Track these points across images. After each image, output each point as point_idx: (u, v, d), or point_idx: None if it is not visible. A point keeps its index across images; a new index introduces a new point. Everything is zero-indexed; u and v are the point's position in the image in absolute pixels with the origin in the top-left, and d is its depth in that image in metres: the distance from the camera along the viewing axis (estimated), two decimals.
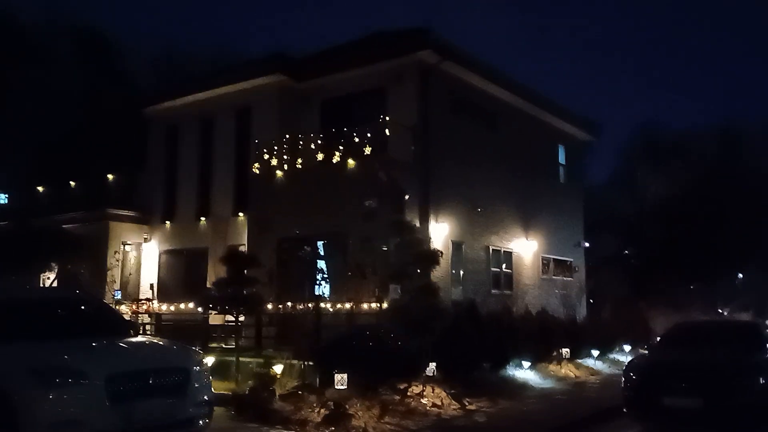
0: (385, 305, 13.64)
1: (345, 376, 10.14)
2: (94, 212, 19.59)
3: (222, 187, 18.68)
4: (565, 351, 16.31)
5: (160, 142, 20.61)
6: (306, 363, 11.62)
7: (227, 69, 18.98)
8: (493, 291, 17.74)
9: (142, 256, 19.68)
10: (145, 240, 19.75)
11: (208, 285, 15.51)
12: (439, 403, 11.28)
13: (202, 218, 18.99)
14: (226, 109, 18.84)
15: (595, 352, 17.55)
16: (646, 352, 12.41)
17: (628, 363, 10.85)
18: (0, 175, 28.81)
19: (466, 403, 11.50)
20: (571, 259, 22.20)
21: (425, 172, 15.88)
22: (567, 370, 15.87)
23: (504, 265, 18.62)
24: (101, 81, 29.94)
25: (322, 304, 13.75)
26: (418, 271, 12.86)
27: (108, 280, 17.46)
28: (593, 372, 16.46)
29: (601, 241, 25.75)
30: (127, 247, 19.48)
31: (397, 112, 15.76)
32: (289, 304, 13.31)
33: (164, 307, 15.40)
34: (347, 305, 13.46)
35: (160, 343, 8.33)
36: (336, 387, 10.20)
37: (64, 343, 7.41)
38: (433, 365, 11.91)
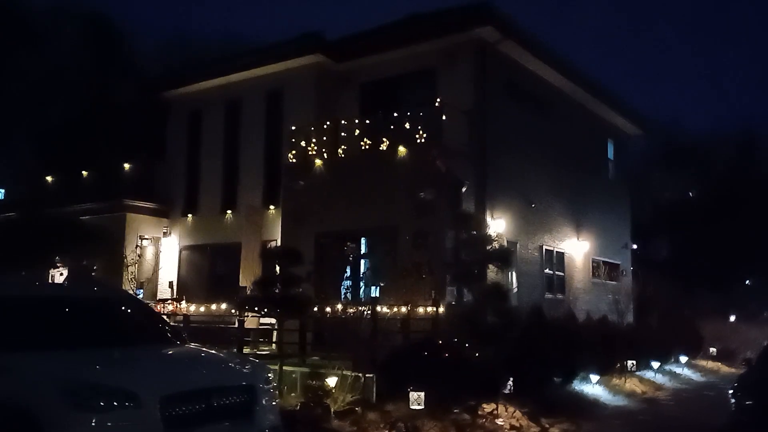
0: (441, 309, 12.15)
1: (422, 394, 8.64)
2: (109, 203, 18.07)
3: (251, 177, 17.12)
4: (631, 363, 14.92)
5: (180, 129, 19.07)
6: (363, 375, 10.14)
7: (257, 50, 17.44)
8: (546, 295, 16.24)
9: (161, 252, 18.12)
10: (165, 234, 18.20)
11: (242, 284, 13.97)
12: (517, 425, 9.91)
13: (229, 211, 17.44)
14: (255, 92, 17.31)
15: (655, 364, 16.13)
16: (746, 370, 11.01)
17: (738, 384, 9.38)
18: (4, 167, 27.43)
19: (547, 425, 10.09)
20: (619, 262, 20.73)
21: (481, 162, 14.38)
22: (631, 384, 14.49)
23: (557, 267, 17.13)
24: (112, 67, 28.47)
25: (371, 307, 12.23)
26: (487, 271, 11.33)
27: (127, 277, 15.87)
28: (657, 387, 15.12)
29: (646, 244, 24.27)
30: (145, 242, 17.92)
31: (449, 96, 14.24)
32: (339, 307, 11.75)
33: (192, 308, 13.82)
34: (402, 309, 11.95)
35: (221, 355, 6.81)
36: (411, 406, 8.72)
37: (104, 354, 5.91)
38: (509, 381, 10.47)
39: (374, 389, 10.02)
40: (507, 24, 14.41)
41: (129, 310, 7.29)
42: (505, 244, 12.58)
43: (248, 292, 12.26)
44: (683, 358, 17.91)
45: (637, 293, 21.33)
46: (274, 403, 6.40)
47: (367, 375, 10.15)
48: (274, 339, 13.65)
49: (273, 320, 13.47)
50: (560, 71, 16.65)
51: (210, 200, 17.89)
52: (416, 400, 8.61)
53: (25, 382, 5.28)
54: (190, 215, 18.23)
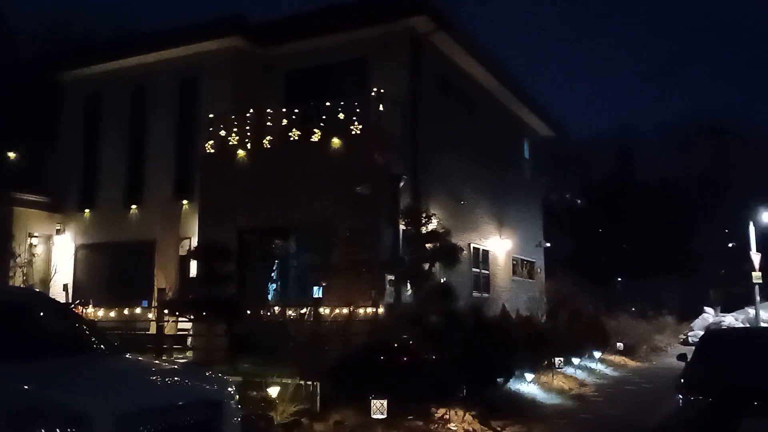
0: (381, 310, 11.52)
1: (385, 402, 7.93)
2: None
3: (161, 169, 15.61)
4: (558, 360, 15.00)
5: (76, 115, 17.17)
6: (306, 383, 9.30)
7: (168, 30, 15.97)
8: (474, 293, 16.01)
9: (55, 251, 16.17)
10: (58, 231, 16.25)
11: (159, 285, 12.60)
12: (470, 429, 9.45)
13: (134, 206, 15.82)
14: (165, 77, 15.83)
15: (576, 360, 16.39)
16: (683, 363, 11.20)
17: (684, 381, 9.43)
18: None
19: (498, 428, 9.74)
20: (535, 260, 21.01)
21: (414, 156, 13.86)
22: (558, 381, 14.55)
23: (483, 266, 16.97)
24: None
25: (305, 309, 11.36)
26: (433, 269, 10.80)
27: (18, 279, 13.94)
28: (580, 382, 15.29)
29: (554, 242, 24.89)
30: (35, 240, 15.92)
31: (382, 87, 13.59)
32: (274, 309, 10.79)
33: (100, 313, 12.29)
34: (340, 310, 11.17)
35: (176, 367, 5.79)
36: (374, 415, 7.98)
37: (37, 367, 4.80)
38: (459, 384, 9.99)
39: (320, 398, 9.20)
40: (441, 15, 14.01)
41: (50, 315, 6.09)
42: (452, 241, 12.08)
43: (168, 294, 11.03)
44: (596, 354, 18.34)
45: (549, 291, 21.77)
46: (238, 419, 5.52)
47: (310, 382, 9.32)
48: (190, 345, 12.50)
49: (188, 325, 12.33)
50: (489, 69, 16.51)
51: (111, 194, 16.17)
52: (378, 408, 7.90)
53: None
54: (87, 210, 16.39)
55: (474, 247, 16.44)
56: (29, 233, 15.87)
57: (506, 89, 17.95)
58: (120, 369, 5.30)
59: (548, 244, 21.94)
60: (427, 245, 11.07)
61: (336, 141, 12.79)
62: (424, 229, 11.25)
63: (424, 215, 11.50)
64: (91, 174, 16.62)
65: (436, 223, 11.92)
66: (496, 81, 17.22)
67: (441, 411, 9.49)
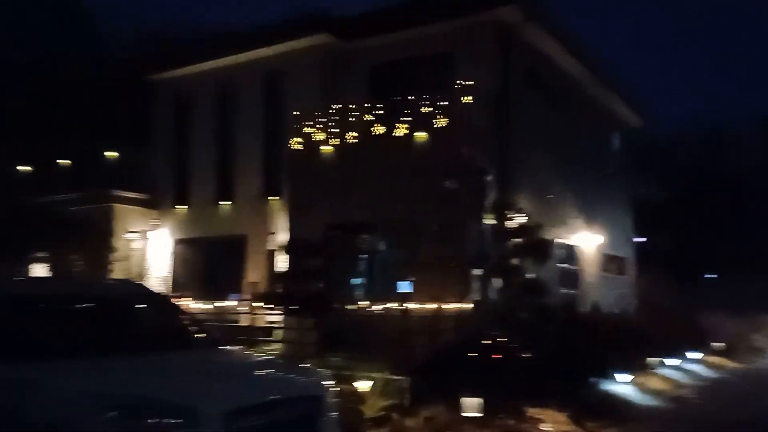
0: (469, 306, 11.36)
1: (477, 400, 7.82)
2: (92, 193, 16.74)
3: (249, 166, 16.02)
4: (653, 360, 14.40)
5: (169, 114, 17.85)
6: (396, 378, 9.29)
7: (256, 30, 16.33)
8: (561, 290, 15.56)
9: (151, 246, 16.90)
10: (154, 227, 16.97)
11: (250, 279, 12.95)
12: (564, 430, 9.16)
13: (223, 202, 16.31)
14: (253, 75, 16.21)
15: (671, 361, 15.67)
16: None
17: None
18: None
19: (593, 431, 9.40)
20: (625, 256, 20.24)
21: (501, 150, 13.58)
22: (653, 382, 13.93)
23: (570, 261, 16.48)
24: (88, 50, 26.90)
25: (392, 304, 11.38)
26: (524, 265, 10.56)
27: (117, 274, 14.65)
28: (678, 384, 14.56)
29: (648, 237, 23.91)
30: (133, 235, 16.68)
31: (468, 80, 13.36)
32: (361, 303, 10.85)
33: (195, 305, 12.75)
34: (428, 306, 11.11)
35: (278, 361, 5.89)
36: (465, 413, 7.88)
37: (145, 361, 4.95)
38: (551, 382, 9.72)
39: (410, 393, 9.17)
40: (531, 4, 13.63)
41: (154, 308, 6.31)
42: (543, 235, 11.78)
43: (258, 287, 11.31)
44: (692, 354, 17.49)
45: (640, 287, 20.93)
46: (335, 415, 5.54)
47: (399, 377, 9.30)
48: (279, 338, 12.74)
49: (277, 318, 12.59)
50: (577, 58, 15.96)
51: (203, 191, 16.73)
52: (470, 406, 7.77)
53: (55, 399, 4.28)
54: (181, 207, 17.04)
55: (560, 242, 15.98)
56: (128, 229, 16.63)
57: (595, 78, 17.31)
58: (225, 363, 5.42)
59: (641, 239, 21.08)
60: (515, 240, 10.82)
61: (421, 135, 12.70)
62: (511, 224, 11.00)
63: (511, 210, 11.24)
64: (184, 171, 17.25)
65: (524, 218, 11.65)
66: (585, 70, 16.63)
67: (533, 410, 9.28)
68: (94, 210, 16.46)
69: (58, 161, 18.61)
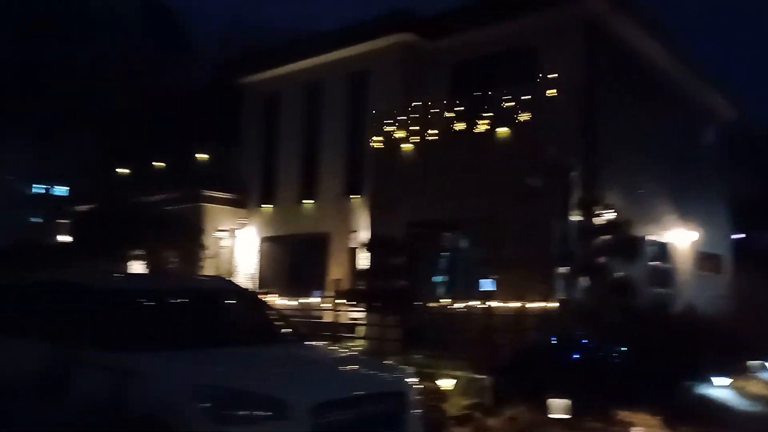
0: (554, 305, 11.10)
1: (565, 401, 7.64)
2: (184, 193, 17.54)
3: (332, 165, 16.32)
4: (756, 363, 13.57)
5: (256, 116, 18.43)
6: (479, 377, 9.20)
7: (340, 30, 16.61)
8: (653, 289, 14.94)
9: (239, 243, 17.50)
10: (242, 225, 17.57)
11: (332, 276, 13.19)
12: None
13: (307, 200, 16.69)
14: (336, 76, 16.50)
15: None
16: None
17: None
18: (69, 162, 27.47)
19: None
20: (721, 253, 19.21)
21: (587, 145, 13.18)
22: (754, 386, 13.12)
23: (662, 259, 15.80)
24: (178, 55, 28.17)
25: (474, 302, 11.26)
26: (611, 264, 10.22)
27: (207, 271, 15.27)
28: None
29: (745, 234, 22.59)
30: (222, 233, 17.33)
31: (551, 74, 13.05)
32: (442, 301, 10.83)
33: (281, 301, 13.11)
34: (511, 305, 10.94)
35: (360, 356, 5.99)
36: (552, 414, 7.72)
37: (238, 355, 5.13)
38: (639, 384, 9.36)
39: (493, 393, 9.07)
40: None
41: (245, 305, 6.53)
42: (633, 233, 11.36)
43: (343, 284, 11.49)
44: None
45: (738, 286, 19.79)
46: (420, 411, 5.56)
47: (482, 376, 9.22)
48: (362, 334, 12.88)
49: (359, 315, 12.73)
50: (668, 50, 15.27)
51: (288, 190, 17.19)
52: (558, 407, 7.60)
53: (157, 388, 4.52)
54: (267, 205, 17.58)
55: (651, 240, 15.34)
56: (217, 228, 17.29)
57: (686, 69, 16.50)
58: (311, 358, 5.55)
59: (738, 236, 19.94)
60: (603, 237, 10.48)
61: (504, 131, 12.53)
62: (599, 221, 10.66)
63: (599, 206, 10.89)
64: (271, 171, 17.76)
65: (613, 214, 11.26)
66: (675, 61, 15.88)
67: (623, 413, 8.97)
68: (187, 209, 17.20)
69: (154, 163, 19.61)
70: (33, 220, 29.83)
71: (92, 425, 4.71)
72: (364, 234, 14.06)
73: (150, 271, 15.53)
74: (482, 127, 12.77)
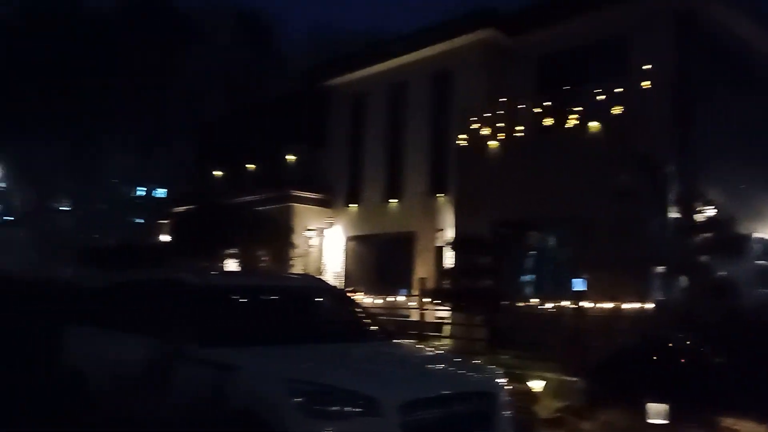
0: (649, 306, 10.65)
1: (665, 407, 7.35)
2: (274, 194, 18.12)
3: (417, 164, 16.39)
4: None
5: (341, 118, 18.77)
6: (571, 379, 8.98)
7: (422, 30, 16.67)
8: (760, 290, 14.03)
9: (326, 242, 17.88)
10: (330, 225, 17.94)
11: (418, 275, 13.25)
12: None
13: (393, 200, 16.84)
14: (420, 75, 16.55)
15: None
16: None
17: None
18: (167, 166, 28.95)
19: None
20: None
21: (683, 139, 12.57)
22: None
23: None
24: (266, 61, 29.07)
25: (564, 303, 10.99)
26: (713, 263, 9.70)
27: (297, 268, 15.70)
28: None
29: None
30: (310, 232, 17.76)
31: (643, 66, 12.52)
32: (531, 301, 10.64)
33: (367, 300, 13.29)
34: (603, 305, 10.60)
35: (449, 355, 6.00)
36: (650, 419, 7.44)
37: (329, 352, 5.24)
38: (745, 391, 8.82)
39: (585, 395, 8.82)
40: None
41: (335, 302, 6.67)
42: (736, 230, 10.75)
43: (429, 283, 11.51)
44: None
45: None
46: (510, 413, 5.48)
47: (574, 378, 8.98)
48: (449, 333, 12.85)
49: (445, 314, 12.70)
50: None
51: (374, 189, 17.41)
52: (657, 412, 7.31)
53: (252, 382, 4.69)
54: (353, 205, 17.87)
55: (760, 237, 14.42)
56: (305, 227, 17.74)
57: None
58: (401, 356, 5.60)
59: None
60: (703, 235, 9.97)
61: (594, 126, 12.15)
62: (698, 218, 10.14)
63: (698, 202, 10.36)
64: (357, 171, 18.05)
65: (713, 211, 10.67)
66: None
67: (727, 420, 8.51)
68: (277, 210, 17.75)
69: (246, 165, 20.35)
70: (136, 221, 31.64)
71: (193, 418, 4.95)
72: (449, 233, 14.04)
73: (243, 269, 16.15)
74: (571, 122, 12.44)
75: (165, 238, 19.94)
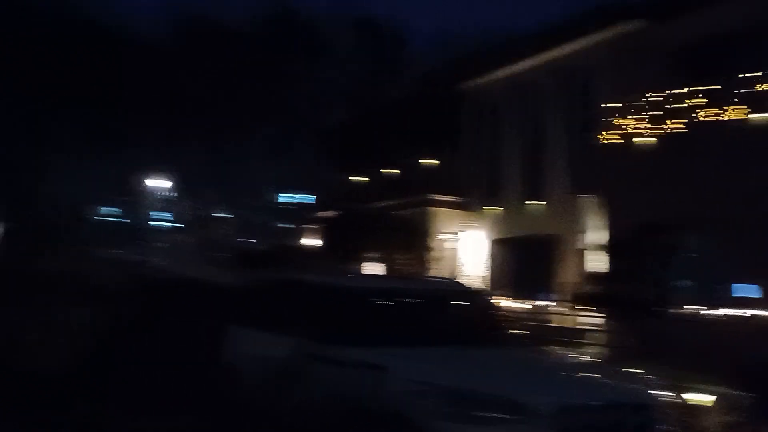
0: None
1: None
2: (411, 199, 18.39)
3: (555, 164, 15.91)
4: None
5: (475, 120, 18.69)
6: (731, 392, 8.22)
7: (555, 28, 16.17)
8: None
9: (462, 246, 17.81)
10: (467, 228, 17.85)
11: (562, 280, 12.82)
12: None
13: (532, 201, 16.44)
14: (556, 72, 16.07)
15: None
16: None
17: None
18: (311, 171, 30.17)
19: None
20: None
21: None
22: None
23: None
24: (394, 66, 29.50)
25: (726, 310, 10.11)
26: None
27: (435, 272, 15.78)
28: None
29: None
30: (448, 236, 17.77)
31: None
32: (691, 307, 9.90)
33: (508, 305, 13.06)
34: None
35: (601, 364, 5.75)
36: None
37: (476, 355, 5.20)
38: None
39: (754, 412, 8.05)
40: None
41: (478, 306, 6.60)
42: None
43: (573, 287, 11.08)
44: None
45: None
46: (668, 428, 5.13)
47: (740, 393, 8.23)
48: (597, 341, 12.27)
49: (593, 319, 12.15)
50: None
51: (512, 191, 17.13)
52: None
53: (402, 384, 4.74)
54: (491, 207, 17.66)
55: None
56: (442, 230, 17.79)
57: None
58: (549, 362, 5.46)
59: None
60: None
61: (759, 117, 11.10)
62: None
63: None
64: (493, 173, 17.85)
65: None
66: None
67: None
68: (414, 213, 17.95)
69: (383, 171, 20.79)
70: (281, 225, 33.36)
71: (340, 417, 5.08)
72: (594, 235, 13.44)
73: (384, 272, 16.51)
74: (730, 114, 11.45)
75: (309, 241, 20.85)
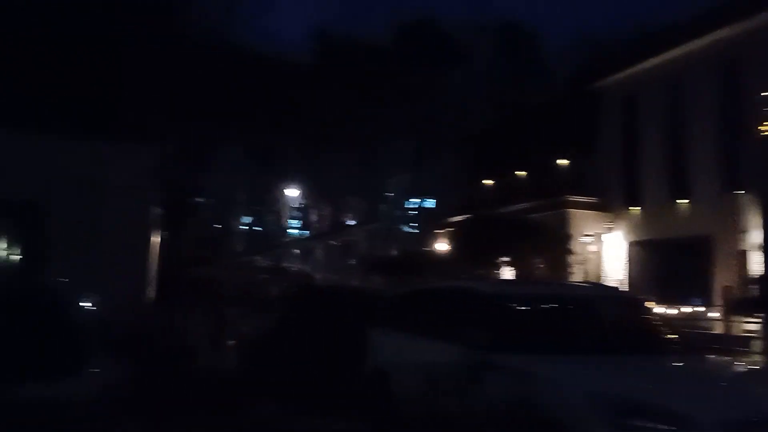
0: None
1: None
2: (548, 201, 17.91)
3: (705, 160, 14.84)
4: None
5: (613, 118, 17.86)
6: None
7: (701, 17, 15.06)
8: None
9: (604, 249, 17.01)
10: (608, 229, 17.05)
11: (720, 284, 11.89)
12: None
13: (679, 200, 15.41)
14: (702, 64, 15.04)
15: None
16: None
17: None
18: (439, 176, 30.26)
19: None
20: None
21: None
22: None
23: None
24: (530, 68, 28.94)
25: None
26: None
27: (576, 276, 15.20)
28: None
29: None
30: (587, 238, 17.05)
31: None
32: None
33: (657, 310, 12.28)
34: None
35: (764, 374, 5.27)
36: None
37: (630, 364, 4.93)
38: None
39: None
40: None
41: (631, 312, 6.24)
42: None
43: (733, 292, 10.23)
44: None
45: None
46: None
47: None
48: (761, 349, 11.22)
49: (756, 326, 11.12)
50: None
51: (656, 190, 16.18)
52: None
53: (559, 393, 4.59)
54: (633, 208, 16.79)
55: None
56: (581, 232, 17.09)
57: None
58: (713, 372, 5.09)
59: None
60: None
61: None
62: None
63: None
64: (634, 172, 16.98)
65: None
66: None
67: None
68: (550, 216, 17.42)
69: (515, 174, 20.38)
70: (411, 231, 33.68)
71: (496, 423, 4.99)
72: (756, 235, 12.33)
73: (520, 277, 16.13)
74: None
75: (440, 247, 20.80)
